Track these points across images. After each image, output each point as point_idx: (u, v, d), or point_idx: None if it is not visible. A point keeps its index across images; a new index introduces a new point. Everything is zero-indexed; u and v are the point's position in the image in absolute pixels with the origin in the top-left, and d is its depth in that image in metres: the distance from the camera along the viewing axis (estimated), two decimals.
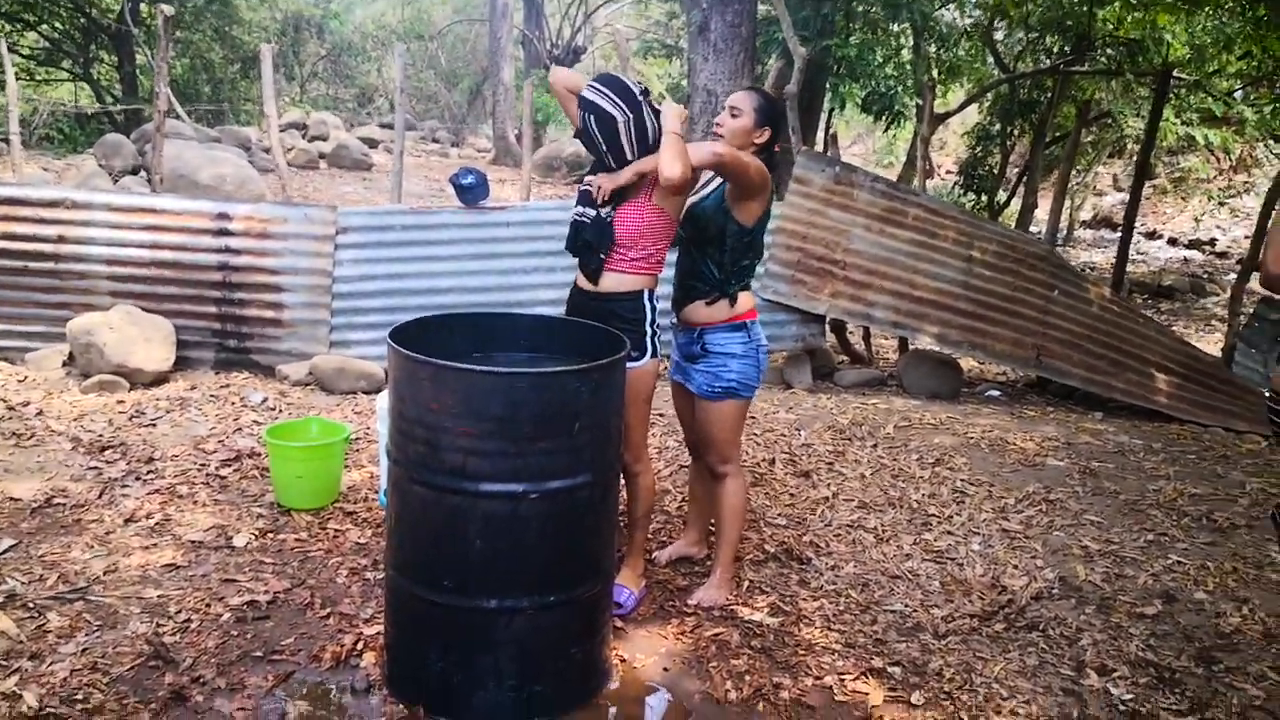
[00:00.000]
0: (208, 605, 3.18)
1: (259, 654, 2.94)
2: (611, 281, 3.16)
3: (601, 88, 3.06)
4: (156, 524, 3.76)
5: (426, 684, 2.72)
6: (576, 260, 3.27)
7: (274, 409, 5.32)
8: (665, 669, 3.03)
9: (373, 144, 17.96)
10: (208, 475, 4.28)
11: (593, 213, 3.14)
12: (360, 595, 3.33)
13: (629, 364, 3.12)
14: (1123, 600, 3.62)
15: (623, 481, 3.36)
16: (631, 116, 3.04)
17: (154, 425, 4.86)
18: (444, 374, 2.57)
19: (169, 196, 6.31)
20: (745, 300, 3.33)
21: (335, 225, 6.11)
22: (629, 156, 3.09)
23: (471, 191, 6.27)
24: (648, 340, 3.19)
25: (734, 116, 3.24)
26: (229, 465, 4.41)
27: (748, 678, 2.97)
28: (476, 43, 27.22)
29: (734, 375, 3.31)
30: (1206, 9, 8.71)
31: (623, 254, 3.15)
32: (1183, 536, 4.28)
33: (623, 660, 3.05)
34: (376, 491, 4.19)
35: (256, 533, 3.76)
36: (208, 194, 9.59)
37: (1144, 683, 3.07)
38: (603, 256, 3.14)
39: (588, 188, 3.20)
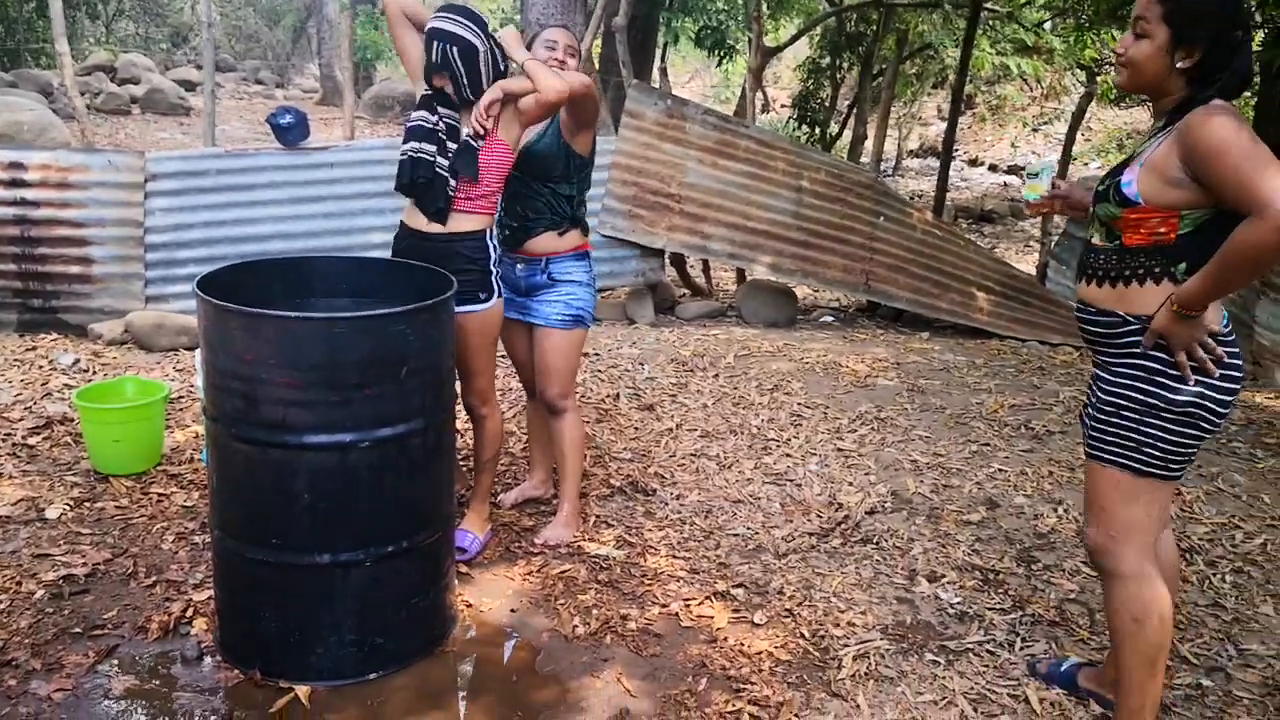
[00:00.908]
0: (18, 583, 2.97)
1: (78, 630, 2.77)
2: (454, 222, 3.06)
3: (458, 18, 2.97)
4: None
5: (262, 646, 2.63)
6: (409, 201, 3.15)
7: (87, 371, 4.98)
8: (513, 610, 3.02)
9: (190, 87, 16.89)
10: (14, 445, 3.97)
11: (431, 148, 3.02)
12: (188, 560, 3.18)
13: (476, 306, 3.08)
14: (950, 509, 3.81)
15: (470, 425, 3.33)
16: (489, 46, 3.00)
17: None
18: (256, 322, 2.44)
19: None
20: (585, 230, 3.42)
21: (144, 172, 5.72)
22: (484, 87, 3.02)
23: (290, 132, 5.97)
24: (493, 280, 3.13)
25: (572, 56, 3.25)
26: (37, 433, 4.10)
27: (595, 611, 3.00)
28: None
29: (581, 303, 3.37)
30: None
31: (465, 192, 3.05)
32: (1004, 445, 4.53)
33: (469, 605, 3.03)
34: (200, 452, 3.99)
35: (71, 503, 3.52)
36: (3, 143, 8.82)
37: (971, 585, 3.24)
38: (452, 193, 3.03)
39: (420, 124, 3.06)
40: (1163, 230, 2.14)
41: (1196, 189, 2.07)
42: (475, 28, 2.98)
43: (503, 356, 3.50)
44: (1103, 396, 2.29)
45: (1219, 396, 2.16)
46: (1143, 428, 2.21)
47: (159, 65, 18.33)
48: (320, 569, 2.57)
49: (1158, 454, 2.21)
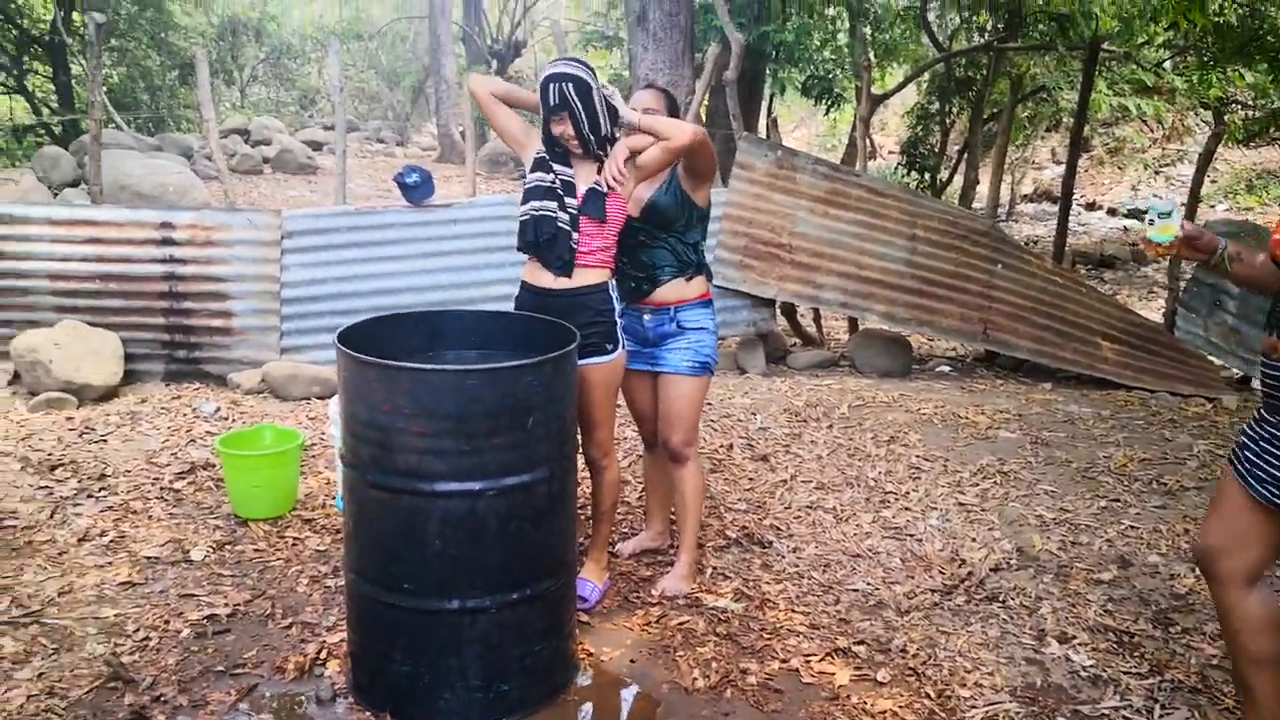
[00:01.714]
0: (166, 622, 3.14)
1: (221, 668, 2.90)
2: (578, 276, 3.15)
3: (568, 60, 3.11)
4: (111, 542, 3.70)
5: (392, 689, 2.71)
6: (527, 262, 3.25)
7: (227, 419, 5.25)
8: (632, 660, 3.04)
9: (317, 147, 17.75)
10: (162, 489, 4.21)
11: (552, 204, 3.10)
12: (322, 603, 3.31)
13: (603, 358, 3.15)
14: (1079, 567, 3.69)
15: (587, 474, 3.38)
16: (598, 84, 3.09)
17: (104, 441, 4.77)
18: (394, 374, 2.55)
19: (110, 208, 6.19)
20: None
21: (281, 229, 6.04)
22: (602, 126, 3.10)
23: (416, 190, 6.22)
24: (618, 331, 3.21)
25: (649, 114, 3.30)
26: (183, 478, 4.35)
27: (715, 664, 2.99)
28: (417, 40, 26.97)
29: (709, 349, 3.43)
30: None
31: (587, 245, 3.14)
32: (1134, 501, 4.37)
33: (589, 654, 3.06)
34: (333, 497, 4.15)
35: (214, 545, 3.71)
36: (150, 203, 9.43)
37: (1104, 648, 3.13)
38: (574, 246, 3.10)
39: (537, 184, 3.16)
40: None
41: None
42: (586, 67, 3.08)
43: (619, 406, 3.55)
44: None
45: None
46: None
47: (288, 127, 19.32)
48: (448, 614, 2.64)
49: None
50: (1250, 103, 11.78)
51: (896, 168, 14.05)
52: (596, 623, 3.25)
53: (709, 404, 5.64)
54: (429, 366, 2.63)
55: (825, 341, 8.07)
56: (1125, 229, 16.09)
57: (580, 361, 2.96)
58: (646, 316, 3.41)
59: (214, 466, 4.44)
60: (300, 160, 15.96)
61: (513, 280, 3.36)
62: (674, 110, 3.43)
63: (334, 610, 3.23)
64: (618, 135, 3.20)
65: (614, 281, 3.26)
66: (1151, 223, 2.45)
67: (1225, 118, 10.63)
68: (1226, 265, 2.47)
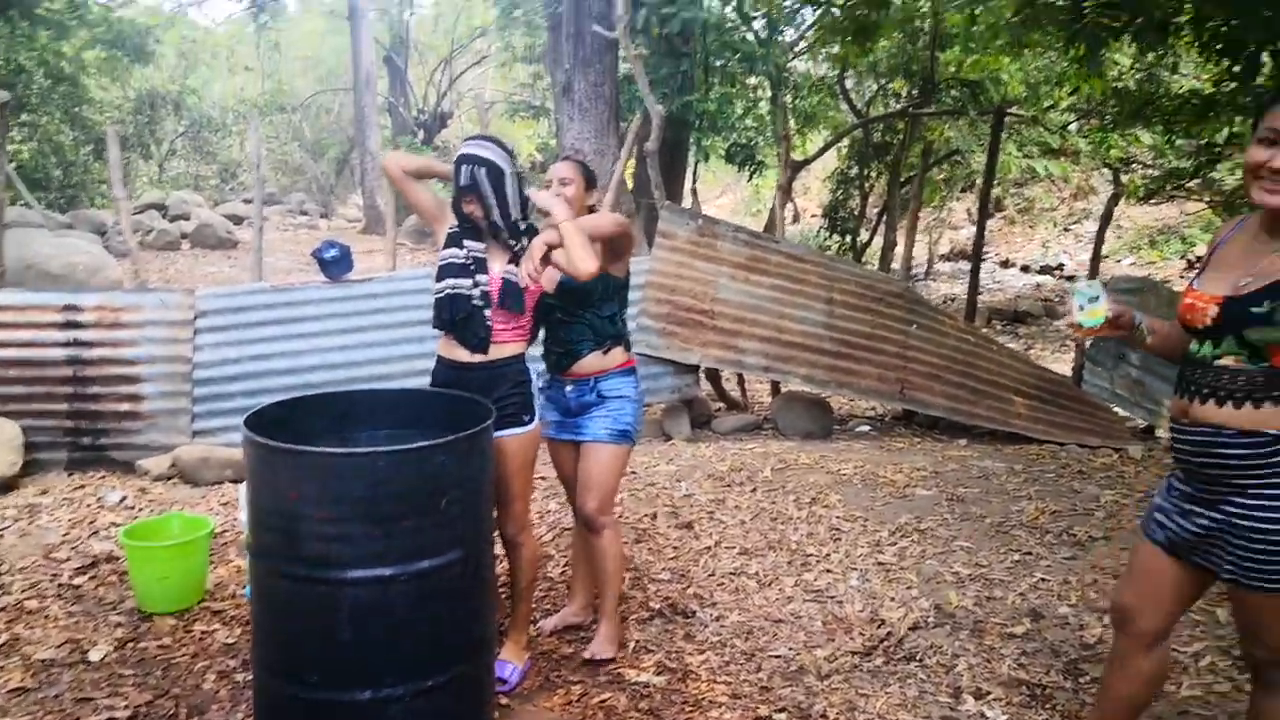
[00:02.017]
0: None
1: None
2: (495, 351, 3.16)
3: (484, 143, 3.12)
4: (2, 645, 3.50)
5: None
6: (442, 335, 3.24)
7: (133, 508, 5.07)
8: None
9: (237, 221, 17.56)
10: (60, 586, 4.03)
11: (466, 282, 3.11)
12: (229, 699, 3.18)
13: (519, 429, 3.15)
14: (994, 622, 3.74)
15: (504, 553, 3.34)
16: (513, 170, 3.11)
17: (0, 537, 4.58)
18: (299, 458, 2.50)
19: (9, 291, 6.01)
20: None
21: (193, 309, 5.93)
22: (512, 212, 3.12)
23: (335, 265, 6.18)
24: (534, 402, 3.21)
25: (565, 185, 3.37)
26: (84, 573, 4.17)
27: None
28: (341, 112, 27.02)
29: (629, 418, 3.44)
30: (1033, 50, 9.33)
31: (503, 324, 3.15)
32: (1046, 554, 4.46)
33: None
34: (244, 587, 4.03)
35: (115, 643, 3.55)
36: (59, 284, 9.20)
37: (1017, 702, 3.17)
38: (489, 324, 3.12)
39: (450, 260, 3.17)
40: None
41: None
42: (502, 152, 3.11)
43: (540, 476, 3.53)
44: (1261, 526, 2.18)
45: None
46: None
47: (208, 201, 19.10)
48: (360, 706, 2.56)
49: None
50: (1150, 162, 12.36)
51: (819, 231, 14.38)
52: (516, 704, 3.19)
53: (633, 472, 5.64)
54: (335, 450, 2.59)
55: (749, 405, 8.15)
56: (1038, 285, 16.51)
57: (496, 433, 2.95)
58: (569, 387, 3.44)
59: (118, 559, 4.27)
60: (220, 235, 15.77)
61: (432, 354, 3.34)
62: (591, 181, 3.48)
63: (241, 707, 3.11)
64: (531, 221, 3.23)
65: (535, 351, 3.27)
66: (1081, 308, 2.49)
67: (1124, 177, 11.14)
68: (1145, 338, 2.54)
